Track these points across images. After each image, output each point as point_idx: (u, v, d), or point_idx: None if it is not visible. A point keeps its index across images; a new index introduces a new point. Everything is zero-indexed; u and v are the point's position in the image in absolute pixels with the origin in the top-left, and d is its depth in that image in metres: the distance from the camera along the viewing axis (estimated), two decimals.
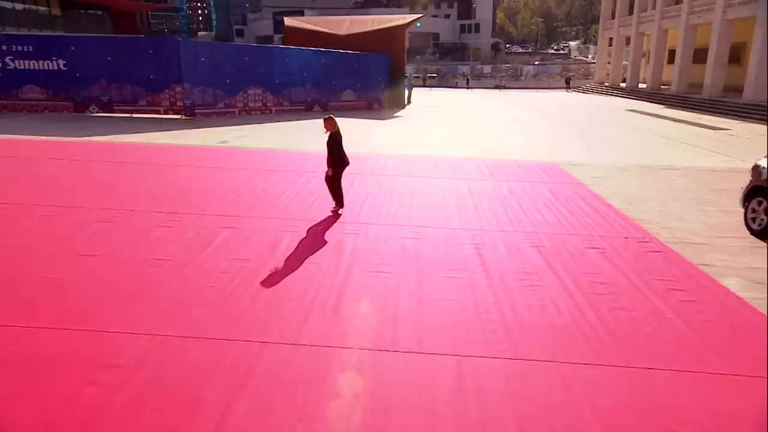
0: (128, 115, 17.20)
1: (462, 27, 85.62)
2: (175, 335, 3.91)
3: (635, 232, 6.75)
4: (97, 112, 17.35)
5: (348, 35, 23.71)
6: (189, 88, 17.07)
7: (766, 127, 18.08)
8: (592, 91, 43.08)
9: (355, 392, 3.37)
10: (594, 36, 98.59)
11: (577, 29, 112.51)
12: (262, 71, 18.96)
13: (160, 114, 17.24)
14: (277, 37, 77.35)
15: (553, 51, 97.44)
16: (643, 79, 38.05)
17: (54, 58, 16.92)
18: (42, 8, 40.11)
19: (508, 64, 63.88)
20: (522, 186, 9.11)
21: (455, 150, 13.05)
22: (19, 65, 17.04)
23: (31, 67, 17.06)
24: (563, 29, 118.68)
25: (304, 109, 20.51)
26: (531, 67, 57.31)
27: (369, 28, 24.20)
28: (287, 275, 5.12)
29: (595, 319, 4.37)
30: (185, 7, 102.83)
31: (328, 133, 6.81)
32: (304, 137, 14.03)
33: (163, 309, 4.32)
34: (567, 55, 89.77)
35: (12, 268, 4.98)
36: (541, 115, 24.52)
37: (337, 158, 6.90)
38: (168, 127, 15.19)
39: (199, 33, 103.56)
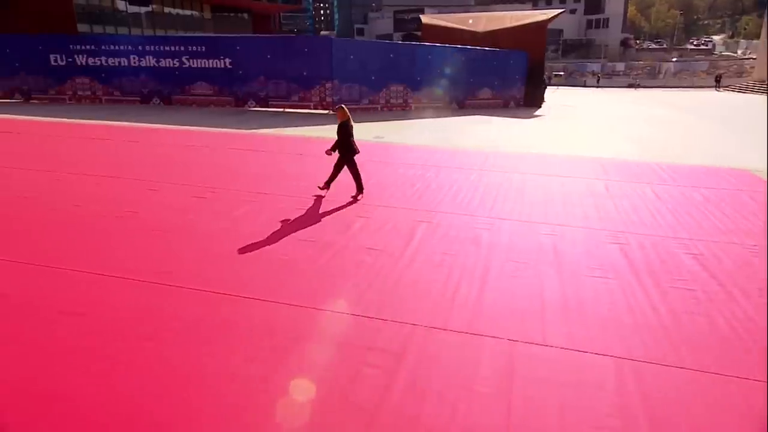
0: (281, 110, 18.37)
1: (588, 22, 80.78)
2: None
3: None
4: (254, 107, 18.77)
5: (486, 32, 23.33)
6: (338, 84, 17.82)
7: None
8: (749, 89, 38.42)
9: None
10: (745, 29, 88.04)
11: (722, 22, 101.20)
12: (405, 68, 19.26)
13: (310, 109, 18.21)
14: (396, 35, 78.74)
15: (693, 46, 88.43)
16: None
17: (222, 57, 18.56)
18: (196, 13, 44.50)
19: (640, 61, 59.18)
20: (717, 194, 8.25)
21: (617, 151, 12.23)
22: (193, 64, 18.94)
23: (202, 66, 18.88)
24: (704, 22, 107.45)
25: (441, 107, 20.52)
26: (671, 65, 52.49)
27: (507, 25, 23.61)
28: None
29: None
30: (311, 8, 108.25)
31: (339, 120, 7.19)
32: (448, 134, 14.00)
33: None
34: (710, 51, 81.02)
35: (251, 248, 5.46)
36: (697, 116, 22.28)
37: (346, 145, 7.16)
38: (320, 122, 15.97)
39: (321, 32, 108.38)
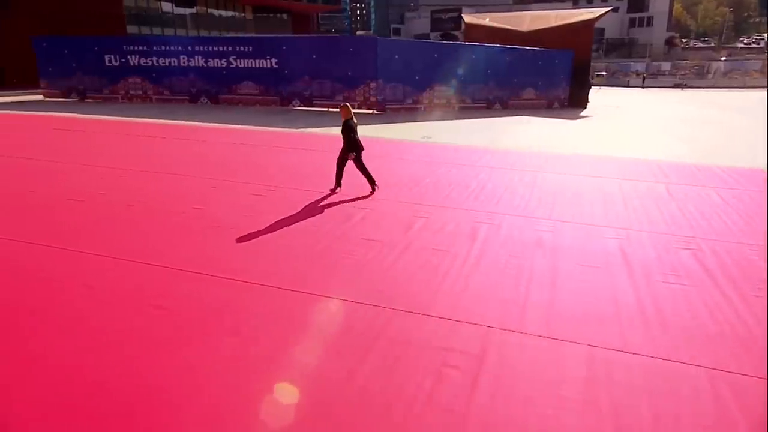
0: (325, 109, 18.54)
1: (631, 21, 78.59)
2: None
3: None
4: (299, 106, 19.02)
5: (530, 31, 22.97)
6: (382, 84, 17.88)
7: None
8: None
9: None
10: None
11: None
12: (449, 68, 19.16)
13: (354, 109, 18.27)
14: (433, 35, 78.41)
15: (743, 45, 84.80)
16: None
17: (268, 57, 18.89)
18: (238, 14, 45.44)
19: (686, 60, 57.16)
20: None
21: (672, 153, 11.83)
22: (240, 64, 19.35)
23: (249, 66, 19.26)
24: (755, 20, 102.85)
25: (484, 107, 20.35)
26: (721, 64, 50.51)
27: (553, 24, 23.19)
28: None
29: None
30: (348, 8, 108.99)
31: (343, 119, 7.24)
32: (496, 135, 13.84)
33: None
34: (762, 49, 77.49)
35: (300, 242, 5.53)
36: (753, 117, 21.35)
37: (350, 142, 7.25)
38: (365, 122, 16.04)
39: (357, 32, 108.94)
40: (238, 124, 14.76)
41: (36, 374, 3.26)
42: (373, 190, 7.58)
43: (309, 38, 23.54)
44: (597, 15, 23.11)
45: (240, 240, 5.63)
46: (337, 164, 7.63)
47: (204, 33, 40.63)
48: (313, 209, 6.83)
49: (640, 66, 50.19)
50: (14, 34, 27.76)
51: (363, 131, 14.01)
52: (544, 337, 3.92)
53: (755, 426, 3.04)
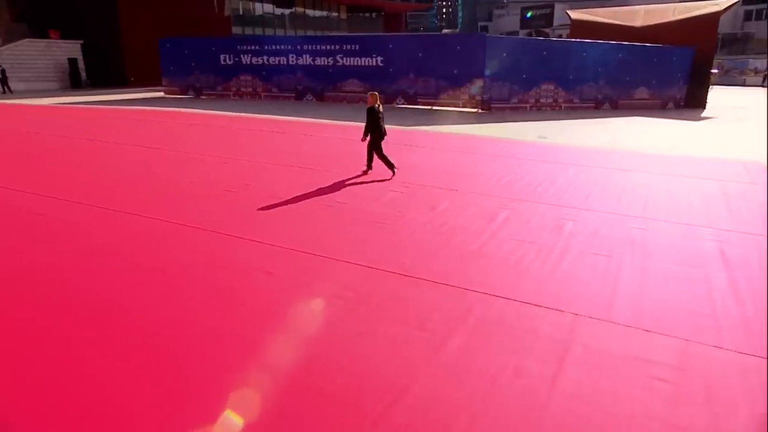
0: (428, 107, 18.57)
1: (747, 13, 71.74)
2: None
3: None
4: (402, 104, 19.17)
5: (645, 27, 21.61)
6: (489, 82, 17.59)
7: None
8: None
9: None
10: None
11: None
12: (558, 66, 18.50)
13: (458, 107, 18.19)
14: (522, 32, 76.21)
15: None
16: None
17: (374, 56, 19.20)
18: (333, 14, 46.74)
19: None
20: None
21: None
22: (346, 62, 19.83)
23: (355, 64, 19.69)
24: None
25: (593, 107, 19.44)
26: None
27: (671, 18, 21.65)
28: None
29: None
30: (435, 6, 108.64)
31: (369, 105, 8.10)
32: (614, 135, 13.12)
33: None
34: None
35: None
36: None
37: (372, 128, 8.02)
38: (473, 120, 15.88)
39: (443, 30, 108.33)
40: (348, 120, 15.12)
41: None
42: (393, 172, 8.15)
43: (416, 36, 23.72)
44: (723, 7, 21.26)
45: (393, 235, 5.69)
46: (370, 150, 8.32)
47: (300, 32, 42.17)
48: (453, 207, 6.79)
49: (759, 63, 45.66)
50: (133, 38, 30.32)
51: (473, 129, 13.97)
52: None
53: None
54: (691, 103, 21.18)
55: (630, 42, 20.17)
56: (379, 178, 8.14)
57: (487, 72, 17.37)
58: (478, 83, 17.83)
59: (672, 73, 20.81)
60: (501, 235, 5.68)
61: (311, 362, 3.28)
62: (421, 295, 4.24)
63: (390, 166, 8.14)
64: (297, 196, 7.12)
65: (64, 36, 30.34)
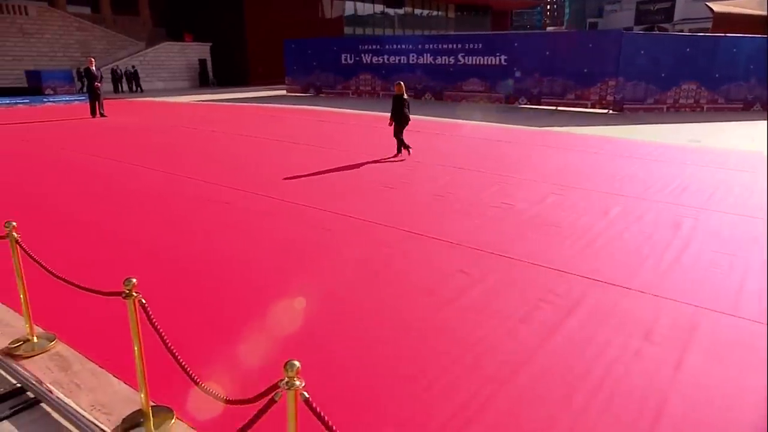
0: (553, 108, 17.91)
1: None
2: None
3: None
4: (525, 104, 18.68)
5: None
6: (623, 82, 16.61)
7: None
8: None
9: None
10: None
11: None
12: (701, 64, 17.02)
13: (586, 108, 17.36)
14: (637, 29, 71.11)
15: None
16: None
17: (498, 54, 18.89)
18: (441, 13, 46.77)
19: None
20: None
21: None
22: (467, 61, 19.70)
23: (476, 63, 19.50)
24: None
25: (741, 108, 17.68)
26: None
27: None
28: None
29: None
30: (541, 4, 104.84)
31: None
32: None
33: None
34: None
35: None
36: None
37: (397, 115, 9.26)
38: (606, 122, 15.07)
39: (547, 28, 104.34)
40: (471, 120, 14.99)
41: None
42: (409, 153, 9.39)
43: (543, 34, 23.07)
44: None
45: (542, 227, 5.52)
46: (396, 135, 9.41)
47: (409, 32, 42.60)
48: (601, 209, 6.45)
49: None
50: (256, 40, 32.33)
51: (611, 132, 13.24)
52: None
53: None
54: None
55: None
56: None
57: (621, 71, 16.39)
58: (510, 81, 18.52)
59: None
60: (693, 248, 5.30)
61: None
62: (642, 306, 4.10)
63: (406, 147, 9.42)
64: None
65: (196, 39, 33.09)
